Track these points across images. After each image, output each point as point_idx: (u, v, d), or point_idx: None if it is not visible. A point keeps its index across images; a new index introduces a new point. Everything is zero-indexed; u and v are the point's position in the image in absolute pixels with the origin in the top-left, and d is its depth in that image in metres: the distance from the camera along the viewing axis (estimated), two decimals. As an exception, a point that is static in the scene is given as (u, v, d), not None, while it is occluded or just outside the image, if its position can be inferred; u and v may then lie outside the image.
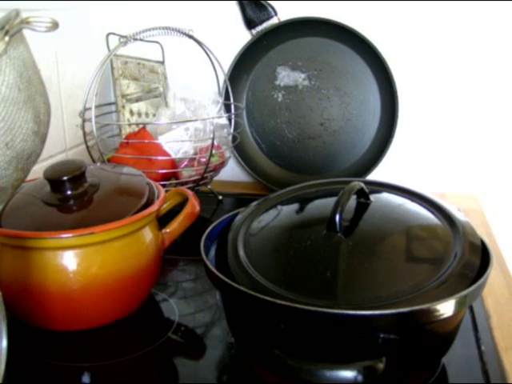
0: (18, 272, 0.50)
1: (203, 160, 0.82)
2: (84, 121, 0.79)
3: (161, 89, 0.98)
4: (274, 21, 0.94)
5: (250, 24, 0.95)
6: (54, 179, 0.53)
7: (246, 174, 0.99)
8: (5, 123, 0.33)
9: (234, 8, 0.96)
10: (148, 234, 0.55)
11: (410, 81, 0.93)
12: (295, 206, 0.54)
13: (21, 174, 0.36)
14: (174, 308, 0.58)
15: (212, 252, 0.50)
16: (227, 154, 0.88)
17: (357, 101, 0.94)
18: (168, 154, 0.81)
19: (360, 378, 0.39)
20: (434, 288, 0.41)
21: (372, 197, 0.51)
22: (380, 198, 0.52)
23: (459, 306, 0.40)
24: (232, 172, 1.01)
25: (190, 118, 0.85)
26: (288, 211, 0.53)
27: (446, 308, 0.39)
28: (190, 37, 0.85)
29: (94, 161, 0.82)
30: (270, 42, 0.94)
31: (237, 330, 0.49)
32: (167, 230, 0.58)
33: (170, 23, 0.83)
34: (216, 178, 0.90)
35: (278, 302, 0.39)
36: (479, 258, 0.45)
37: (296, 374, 0.40)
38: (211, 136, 0.79)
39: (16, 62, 0.34)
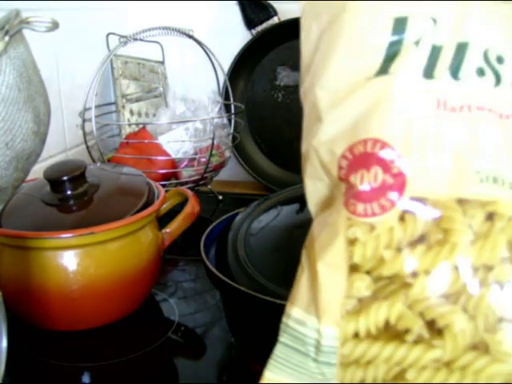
0: (18, 272, 0.50)
1: (203, 160, 0.82)
2: (84, 121, 0.79)
3: (161, 89, 0.99)
4: (274, 21, 0.94)
5: (249, 24, 0.95)
6: (54, 179, 0.53)
7: (246, 174, 0.99)
8: (5, 123, 0.33)
9: (234, 8, 0.96)
10: (148, 234, 0.55)
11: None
12: (295, 206, 0.54)
13: (21, 174, 0.36)
14: (174, 308, 0.58)
15: (212, 252, 0.50)
16: (227, 153, 0.88)
17: (357, 101, 0.94)
18: (168, 154, 0.81)
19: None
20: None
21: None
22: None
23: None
24: (232, 172, 1.01)
25: (190, 118, 0.85)
26: (288, 211, 0.53)
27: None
28: (190, 37, 0.85)
29: (94, 161, 0.82)
30: (270, 42, 0.94)
31: (237, 329, 0.49)
32: (167, 230, 0.58)
33: (169, 23, 0.83)
34: (216, 178, 0.90)
35: (278, 301, 0.39)
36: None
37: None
38: (211, 136, 0.79)
39: (16, 61, 0.34)
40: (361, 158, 0.26)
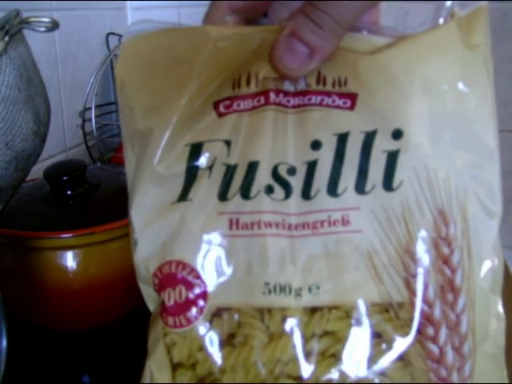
0: (18, 272, 0.50)
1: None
2: (84, 121, 0.79)
3: (161, 89, 0.98)
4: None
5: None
6: (54, 179, 0.53)
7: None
8: (5, 123, 0.33)
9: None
10: (148, 234, 0.55)
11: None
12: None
13: (21, 174, 0.36)
14: (174, 308, 0.58)
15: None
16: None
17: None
18: (168, 154, 0.81)
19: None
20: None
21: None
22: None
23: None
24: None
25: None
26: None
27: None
28: (190, 37, 0.84)
29: (94, 161, 0.82)
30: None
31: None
32: (167, 229, 0.58)
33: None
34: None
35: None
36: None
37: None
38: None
39: (16, 61, 0.34)
40: (167, 277, 0.30)
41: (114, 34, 0.90)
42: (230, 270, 0.29)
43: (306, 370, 0.28)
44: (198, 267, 0.29)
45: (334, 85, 0.28)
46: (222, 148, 0.29)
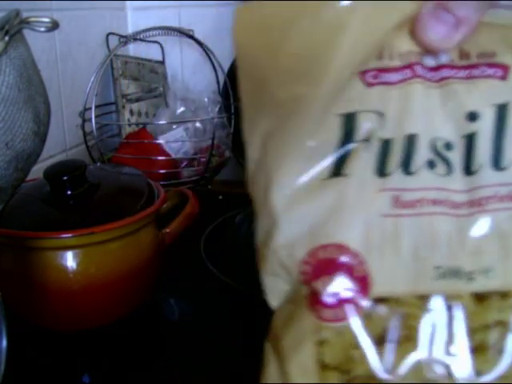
0: (18, 272, 0.50)
1: (203, 160, 0.82)
2: (84, 121, 0.79)
3: (161, 89, 0.98)
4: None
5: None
6: (54, 179, 0.53)
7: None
8: (5, 123, 0.33)
9: (234, 8, 0.96)
10: (148, 234, 0.55)
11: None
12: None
13: (21, 174, 0.36)
14: (174, 308, 0.58)
15: (212, 252, 0.50)
16: (227, 153, 0.88)
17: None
18: (168, 154, 0.81)
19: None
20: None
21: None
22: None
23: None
24: (232, 172, 1.01)
25: (190, 118, 0.85)
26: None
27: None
28: (190, 37, 0.85)
29: (94, 161, 0.82)
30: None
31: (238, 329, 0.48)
32: (167, 229, 0.58)
33: (169, 23, 0.83)
34: (216, 178, 0.90)
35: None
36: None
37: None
38: (211, 136, 0.79)
39: (16, 61, 0.34)
40: (322, 263, 0.26)
41: (113, 34, 0.90)
42: (394, 254, 0.26)
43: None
44: (360, 251, 0.26)
45: (479, 58, 0.27)
46: (375, 119, 0.26)
